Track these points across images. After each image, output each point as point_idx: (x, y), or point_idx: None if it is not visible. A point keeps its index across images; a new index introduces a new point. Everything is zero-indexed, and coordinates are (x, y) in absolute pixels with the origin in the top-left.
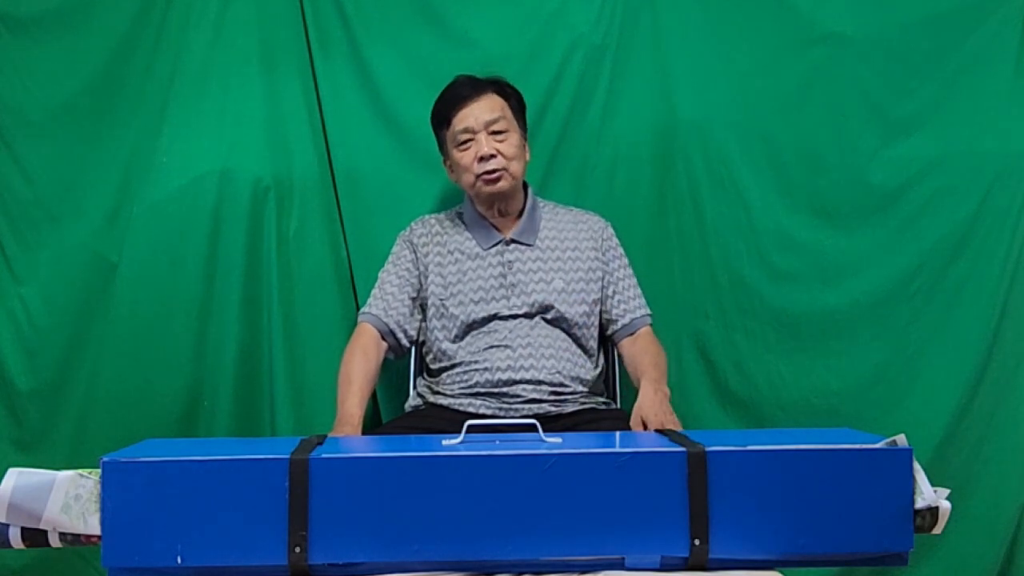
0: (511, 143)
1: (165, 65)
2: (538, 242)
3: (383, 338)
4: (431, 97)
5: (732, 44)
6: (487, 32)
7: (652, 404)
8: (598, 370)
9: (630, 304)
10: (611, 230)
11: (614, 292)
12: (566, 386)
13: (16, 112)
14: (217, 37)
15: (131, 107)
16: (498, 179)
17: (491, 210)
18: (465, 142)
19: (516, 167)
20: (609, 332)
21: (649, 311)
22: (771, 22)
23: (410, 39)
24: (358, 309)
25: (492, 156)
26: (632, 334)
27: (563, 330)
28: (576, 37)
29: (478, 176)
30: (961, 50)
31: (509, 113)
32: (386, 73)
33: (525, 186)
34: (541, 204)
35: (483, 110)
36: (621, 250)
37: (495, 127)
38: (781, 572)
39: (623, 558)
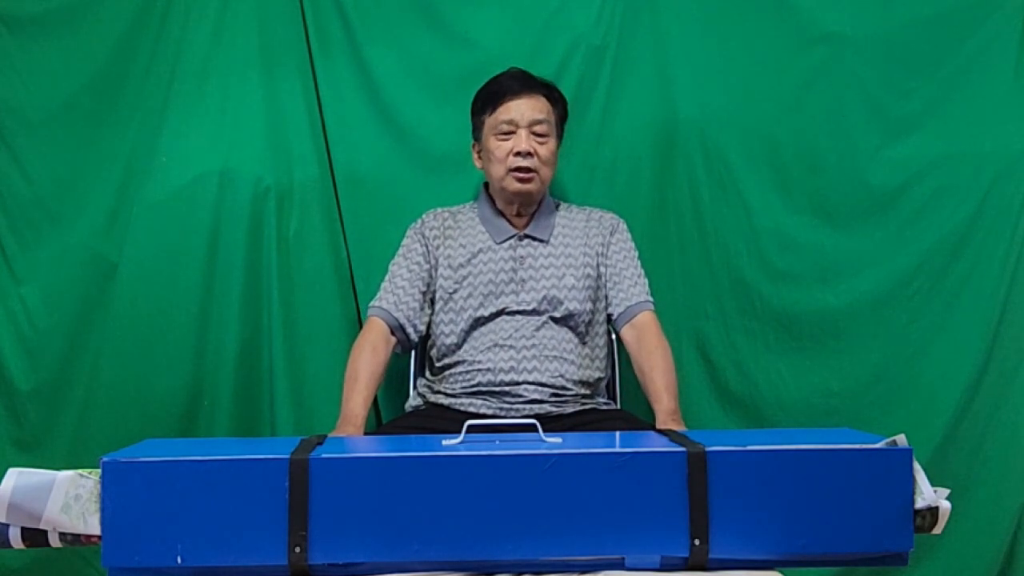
0: (548, 148)
1: (165, 65)
2: (552, 239)
3: (392, 333)
4: (431, 97)
5: (732, 44)
6: (487, 32)
7: None
8: (604, 372)
9: (628, 292)
10: (623, 225)
11: (613, 282)
12: (568, 389)
13: (16, 112)
14: (217, 37)
15: (131, 107)
16: (529, 179)
17: (510, 207)
18: (506, 133)
19: (547, 172)
20: (611, 321)
21: (650, 298)
22: (771, 22)
23: (410, 39)
24: (358, 309)
25: (529, 155)
26: (631, 320)
27: (570, 328)
28: (576, 37)
29: (510, 170)
30: (961, 50)
31: (554, 119)
32: (386, 73)
33: None
34: (556, 204)
35: (531, 108)
36: (630, 244)
37: (538, 128)
38: (781, 572)
39: (623, 558)
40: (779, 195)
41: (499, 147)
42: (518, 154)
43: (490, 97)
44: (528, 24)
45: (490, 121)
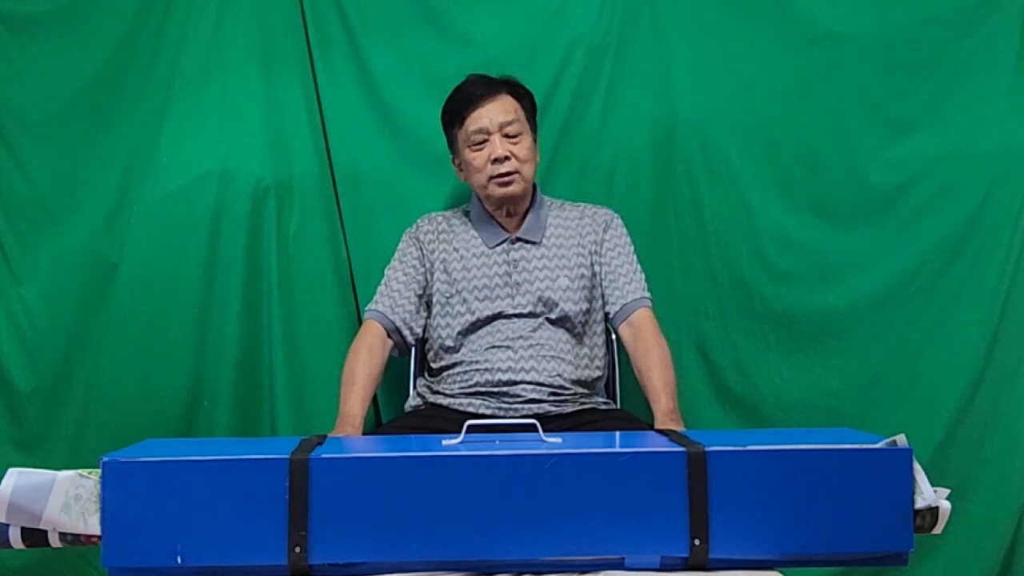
0: (524, 145)
1: (165, 65)
2: (544, 240)
3: (389, 335)
4: (431, 97)
5: (732, 44)
6: (487, 32)
7: None
8: (602, 371)
9: (623, 289)
10: (618, 220)
11: (609, 280)
12: (567, 388)
13: (16, 112)
14: (217, 37)
15: (131, 107)
16: (511, 182)
17: (500, 210)
18: (479, 143)
19: (528, 170)
20: (609, 320)
21: (647, 294)
22: (771, 22)
23: (410, 39)
24: (358, 309)
25: (506, 158)
26: (628, 318)
27: (567, 330)
28: (576, 37)
29: (491, 178)
30: (961, 50)
31: (522, 115)
32: (386, 73)
33: (533, 185)
34: (548, 202)
35: (498, 111)
36: (625, 239)
37: (509, 129)
38: (781, 572)
39: (623, 558)
40: (779, 195)
41: (476, 157)
42: (496, 160)
43: (456, 110)
44: (528, 24)
45: (462, 134)
